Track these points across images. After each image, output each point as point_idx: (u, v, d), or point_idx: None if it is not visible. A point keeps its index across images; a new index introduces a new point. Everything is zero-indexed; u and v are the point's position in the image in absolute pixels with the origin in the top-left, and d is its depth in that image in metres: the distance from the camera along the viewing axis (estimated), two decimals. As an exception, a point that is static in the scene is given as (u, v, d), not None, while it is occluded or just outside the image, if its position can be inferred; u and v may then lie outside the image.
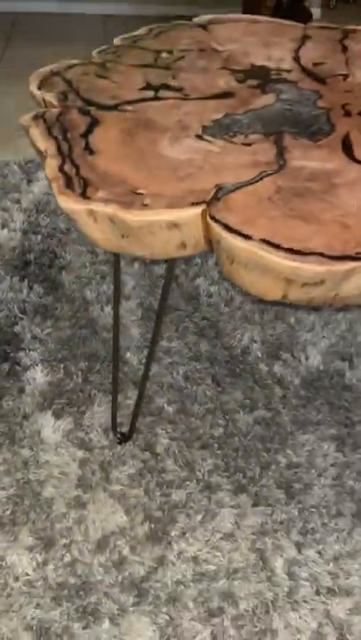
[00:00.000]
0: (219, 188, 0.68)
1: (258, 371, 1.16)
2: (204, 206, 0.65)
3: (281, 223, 0.63)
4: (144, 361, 1.15)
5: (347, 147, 0.78)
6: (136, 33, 1.09)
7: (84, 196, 0.65)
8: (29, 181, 1.62)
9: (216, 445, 1.02)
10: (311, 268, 0.57)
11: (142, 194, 0.66)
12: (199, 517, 0.92)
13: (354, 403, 1.11)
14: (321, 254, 0.59)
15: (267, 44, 1.08)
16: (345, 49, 1.08)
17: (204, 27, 1.14)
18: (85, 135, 0.76)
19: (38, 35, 2.68)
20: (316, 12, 3.13)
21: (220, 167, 0.72)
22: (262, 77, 0.96)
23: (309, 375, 1.15)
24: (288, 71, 0.99)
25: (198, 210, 0.65)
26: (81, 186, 0.67)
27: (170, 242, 0.66)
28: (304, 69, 1.00)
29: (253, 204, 0.66)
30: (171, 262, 0.80)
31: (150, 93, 0.89)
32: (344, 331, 1.24)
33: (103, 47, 1.02)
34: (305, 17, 3.03)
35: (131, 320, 1.24)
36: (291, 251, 0.59)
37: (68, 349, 1.17)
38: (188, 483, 0.96)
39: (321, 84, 0.95)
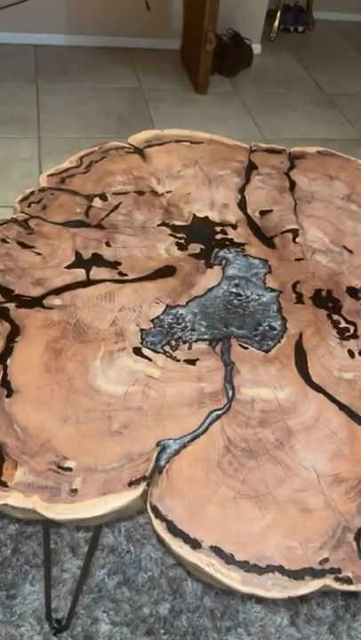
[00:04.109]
0: (161, 448, 0.59)
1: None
2: (144, 485, 0.56)
3: (233, 511, 0.55)
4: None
5: (301, 358, 0.71)
6: (65, 166, 0.97)
7: (-1, 480, 0.55)
8: None
9: (162, 631, 0.94)
10: (270, 596, 0.49)
11: (70, 469, 0.56)
12: None
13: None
14: (281, 568, 0.51)
15: (209, 179, 0.99)
16: (293, 185, 1.01)
17: (140, 151, 1.03)
18: (4, 357, 0.65)
19: None
20: (256, 47, 3.06)
21: (162, 408, 0.63)
22: (206, 238, 0.87)
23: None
24: (234, 226, 0.90)
25: (138, 492, 0.55)
26: (-4, 460, 0.56)
27: (106, 515, 0.56)
28: (250, 221, 0.91)
29: (201, 476, 0.57)
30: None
31: (81, 273, 0.78)
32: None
33: (28, 193, 0.90)
34: (246, 54, 2.97)
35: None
36: (245, 565, 0.51)
37: (-4, 507, 1.05)
38: None
39: (270, 248, 0.87)
